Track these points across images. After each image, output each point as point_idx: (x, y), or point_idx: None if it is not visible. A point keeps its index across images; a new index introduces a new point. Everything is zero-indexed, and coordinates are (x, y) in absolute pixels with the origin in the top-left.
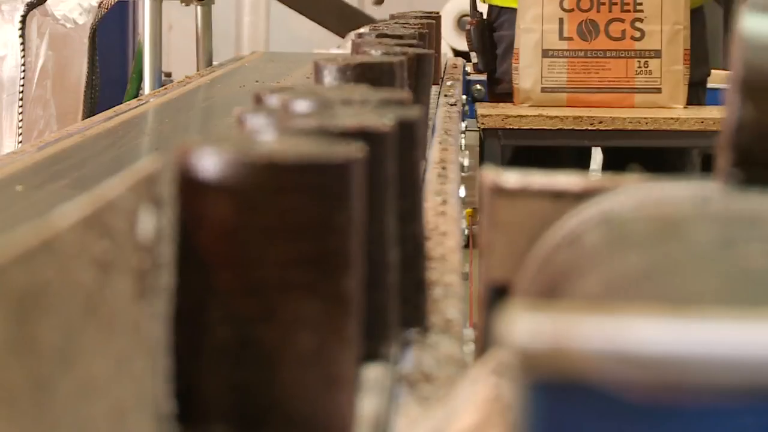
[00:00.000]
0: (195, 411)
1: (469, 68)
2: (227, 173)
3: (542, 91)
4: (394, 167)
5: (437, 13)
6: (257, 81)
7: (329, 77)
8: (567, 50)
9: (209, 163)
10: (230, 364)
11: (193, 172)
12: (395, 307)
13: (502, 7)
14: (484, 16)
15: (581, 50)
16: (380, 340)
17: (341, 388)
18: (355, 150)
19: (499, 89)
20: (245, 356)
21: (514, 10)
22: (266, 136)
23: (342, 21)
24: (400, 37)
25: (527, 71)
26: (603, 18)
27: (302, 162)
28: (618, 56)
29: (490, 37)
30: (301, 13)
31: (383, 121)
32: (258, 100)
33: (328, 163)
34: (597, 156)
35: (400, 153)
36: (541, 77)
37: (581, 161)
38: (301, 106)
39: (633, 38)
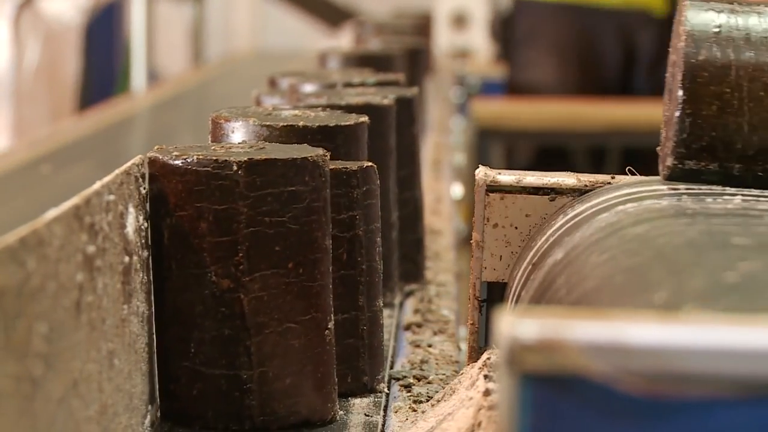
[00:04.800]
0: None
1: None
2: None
3: None
4: (394, 138)
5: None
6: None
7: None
8: None
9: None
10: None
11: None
12: (397, 262)
13: None
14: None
15: None
16: (386, 290)
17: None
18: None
19: (518, 81)
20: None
21: None
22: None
23: (333, 14)
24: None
25: None
26: None
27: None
28: None
29: (508, 23)
30: (292, 6)
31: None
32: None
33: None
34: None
35: (399, 126)
36: None
37: (593, 162)
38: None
39: None
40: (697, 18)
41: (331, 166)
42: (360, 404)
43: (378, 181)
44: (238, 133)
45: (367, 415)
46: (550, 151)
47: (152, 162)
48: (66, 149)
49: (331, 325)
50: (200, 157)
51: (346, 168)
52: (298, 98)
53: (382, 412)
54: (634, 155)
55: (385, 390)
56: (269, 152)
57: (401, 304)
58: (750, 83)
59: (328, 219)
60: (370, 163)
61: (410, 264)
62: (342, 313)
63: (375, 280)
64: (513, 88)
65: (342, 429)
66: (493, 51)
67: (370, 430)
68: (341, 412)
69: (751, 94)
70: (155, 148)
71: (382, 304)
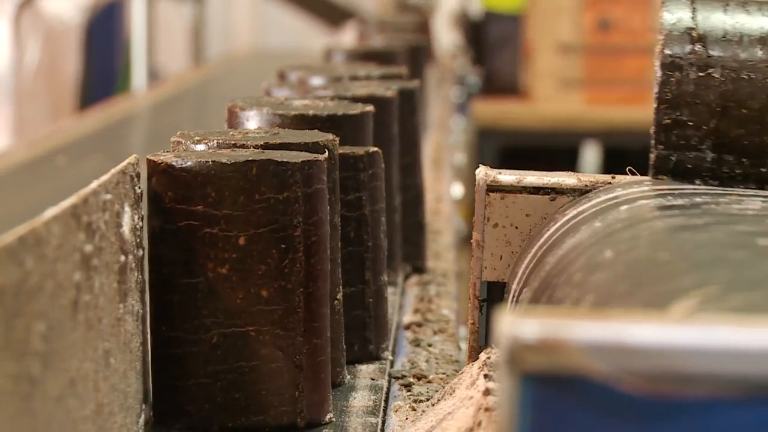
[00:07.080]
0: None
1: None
2: None
3: (557, 86)
4: (397, 127)
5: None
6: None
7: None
8: (583, 44)
9: None
10: None
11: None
12: (400, 243)
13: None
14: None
15: (598, 44)
16: (389, 270)
17: None
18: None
19: (496, 83)
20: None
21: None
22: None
23: (333, 13)
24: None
25: (542, 66)
26: (620, 10)
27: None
28: (635, 49)
29: (479, 28)
30: (292, 6)
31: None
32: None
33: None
34: (592, 156)
35: (401, 116)
36: (557, 72)
37: (575, 161)
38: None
39: (650, 29)
40: (674, 12)
41: (340, 151)
42: (366, 370)
43: (383, 165)
44: (252, 122)
45: (373, 379)
46: (549, 151)
47: (176, 146)
48: (66, 149)
49: (339, 296)
50: (220, 141)
51: (354, 153)
52: (306, 90)
53: (386, 377)
54: (619, 155)
55: (389, 357)
56: (283, 137)
57: (404, 284)
58: None
59: (337, 199)
60: (375, 149)
61: (412, 246)
62: (349, 287)
63: (380, 256)
64: (488, 90)
65: (350, 391)
66: (469, 56)
67: (375, 392)
68: (349, 377)
69: None
70: (178, 133)
71: (386, 279)
